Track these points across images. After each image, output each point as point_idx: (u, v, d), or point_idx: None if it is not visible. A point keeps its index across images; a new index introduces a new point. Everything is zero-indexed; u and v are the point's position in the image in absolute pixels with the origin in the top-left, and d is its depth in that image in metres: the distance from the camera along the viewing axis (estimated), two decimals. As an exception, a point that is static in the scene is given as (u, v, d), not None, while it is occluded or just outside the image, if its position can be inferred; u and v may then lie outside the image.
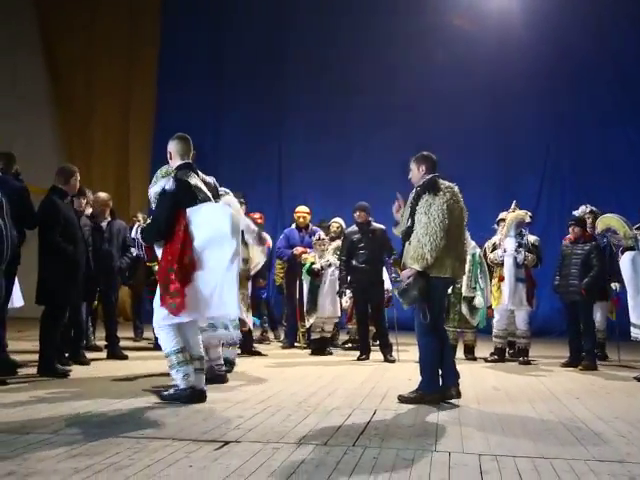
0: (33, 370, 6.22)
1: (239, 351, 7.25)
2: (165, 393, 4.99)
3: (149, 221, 5.46)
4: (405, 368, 7.44)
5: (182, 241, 4.80)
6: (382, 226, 8.45)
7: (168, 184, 4.99)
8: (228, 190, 6.22)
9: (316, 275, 8.92)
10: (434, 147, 13.21)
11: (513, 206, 8.49)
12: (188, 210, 4.88)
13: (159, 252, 5.11)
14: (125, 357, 7.62)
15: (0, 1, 13.75)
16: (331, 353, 8.89)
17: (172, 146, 5.22)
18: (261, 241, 6.69)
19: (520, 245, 8.18)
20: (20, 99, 14.01)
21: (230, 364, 6.71)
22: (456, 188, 5.32)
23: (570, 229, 8.34)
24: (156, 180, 5.31)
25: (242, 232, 6.56)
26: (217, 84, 15.11)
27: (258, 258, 7.13)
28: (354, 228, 8.51)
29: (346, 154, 14.40)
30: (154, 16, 15.48)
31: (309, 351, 8.94)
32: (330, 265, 8.92)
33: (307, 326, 9.14)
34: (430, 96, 13.76)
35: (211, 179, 5.43)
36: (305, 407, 4.89)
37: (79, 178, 6.63)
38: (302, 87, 14.68)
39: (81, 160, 13.80)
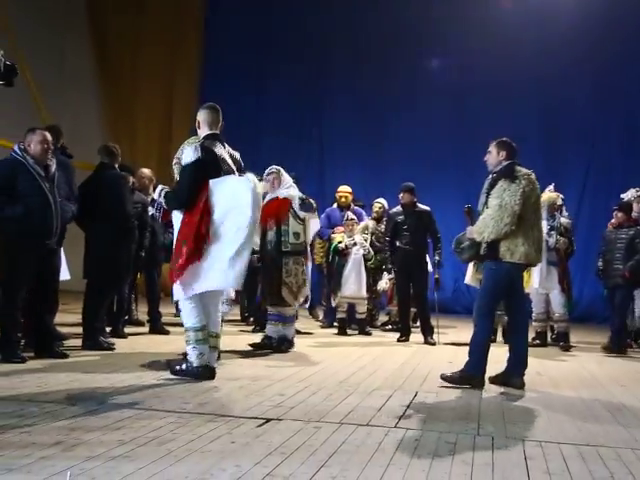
0: (78, 342, 6.32)
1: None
2: (177, 368, 4.97)
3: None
4: (446, 351, 7.41)
5: (201, 213, 4.76)
6: (427, 208, 8.37)
7: (193, 153, 4.91)
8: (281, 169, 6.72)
9: (342, 254, 8.86)
10: (479, 130, 13.14)
11: (551, 187, 8.31)
12: (211, 182, 4.84)
13: (176, 219, 5.06)
14: (167, 332, 7.71)
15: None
16: (370, 333, 8.86)
17: (201, 115, 5.17)
18: (313, 208, 6.79)
19: (552, 228, 8.04)
20: (67, 77, 14.21)
21: (289, 343, 6.79)
22: (533, 175, 5.27)
23: (614, 214, 8.22)
24: (182, 149, 5.19)
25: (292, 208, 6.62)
26: (259, 67, 15.06)
27: (313, 226, 7.20)
28: (398, 209, 8.44)
29: (389, 134, 14.28)
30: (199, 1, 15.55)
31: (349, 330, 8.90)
32: (355, 244, 8.83)
33: (333, 305, 9.06)
34: (475, 78, 13.56)
35: (236, 153, 5.34)
36: (346, 387, 4.88)
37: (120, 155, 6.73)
38: (344, 67, 14.58)
39: (125, 137, 13.99)
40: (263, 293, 7.37)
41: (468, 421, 3.98)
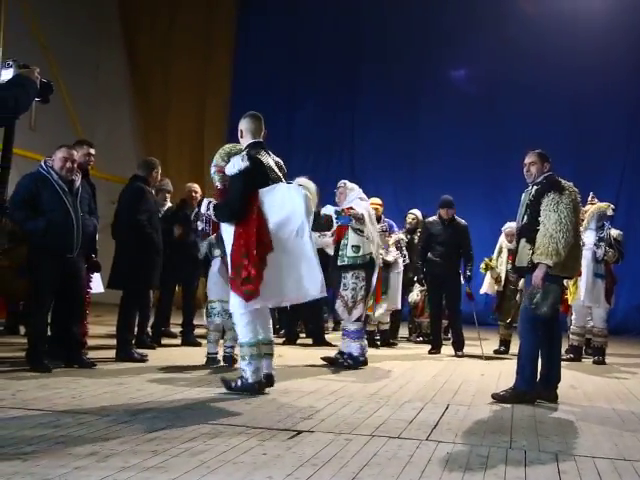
0: (111, 354, 6.40)
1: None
2: (233, 385, 4.92)
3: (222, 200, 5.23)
4: (477, 363, 7.35)
5: (257, 224, 4.69)
6: (464, 222, 8.33)
7: (241, 162, 4.83)
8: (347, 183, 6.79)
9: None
10: (510, 137, 13.05)
11: (590, 198, 8.09)
12: (260, 191, 4.78)
13: (226, 232, 4.96)
14: (199, 344, 7.75)
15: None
16: (394, 344, 8.85)
17: (244, 124, 5.10)
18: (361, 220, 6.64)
19: (601, 239, 7.85)
20: (101, 92, 14.52)
21: (351, 358, 6.58)
22: (575, 188, 5.21)
23: None
24: (220, 158, 5.14)
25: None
26: (290, 83, 15.22)
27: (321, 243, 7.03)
28: (435, 219, 8.37)
29: (421, 147, 14.30)
30: (229, 13, 15.75)
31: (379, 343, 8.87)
32: (396, 261, 8.74)
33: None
34: (507, 86, 13.53)
35: (281, 160, 5.26)
36: (377, 399, 4.87)
37: (160, 171, 6.81)
38: (375, 82, 14.66)
39: (158, 150, 14.18)
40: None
41: (500, 434, 3.94)
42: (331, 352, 6.99)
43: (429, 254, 8.25)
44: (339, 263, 6.67)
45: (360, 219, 6.56)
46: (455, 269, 8.28)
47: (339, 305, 6.64)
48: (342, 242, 6.68)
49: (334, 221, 6.48)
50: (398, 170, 14.33)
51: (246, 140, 5.09)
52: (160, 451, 3.23)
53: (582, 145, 13.59)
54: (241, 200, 4.79)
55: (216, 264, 6.36)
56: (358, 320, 6.64)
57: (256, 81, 14.93)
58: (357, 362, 6.56)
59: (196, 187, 8.25)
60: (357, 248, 6.60)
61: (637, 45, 13.11)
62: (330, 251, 7.00)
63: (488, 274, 8.51)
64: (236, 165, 4.84)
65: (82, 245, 5.77)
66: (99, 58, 14.92)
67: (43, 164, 5.67)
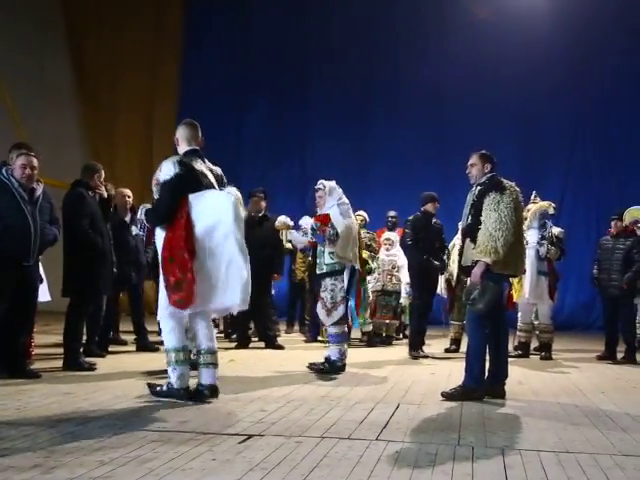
0: (59, 364, 6.27)
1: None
2: (158, 389, 4.90)
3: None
4: (428, 362, 7.43)
5: (184, 228, 4.65)
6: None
7: (172, 168, 4.80)
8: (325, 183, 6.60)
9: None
10: (457, 137, 13.22)
11: (533, 197, 8.25)
12: (191, 196, 4.73)
13: (159, 237, 4.90)
14: (155, 349, 7.64)
15: (30, 5, 14.06)
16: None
17: (179, 132, 5.08)
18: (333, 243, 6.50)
19: (543, 237, 8.02)
20: (47, 97, 14.27)
21: (330, 364, 6.44)
22: (517, 188, 5.29)
23: (612, 223, 8.25)
24: (160, 168, 5.06)
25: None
26: (239, 83, 15.14)
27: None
28: (420, 215, 8.14)
29: (370, 146, 14.40)
30: (177, 16, 15.66)
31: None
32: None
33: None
34: (456, 88, 13.71)
35: (218, 168, 5.21)
36: (327, 401, 4.89)
37: (103, 176, 6.71)
38: (326, 82, 14.71)
39: (106, 156, 14.03)
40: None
41: (449, 432, 4.00)
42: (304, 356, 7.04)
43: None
44: (317, 271, 6.53)
45: (333, 242, 6.35)
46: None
47: (319, 308, 6.49)
48: (318, 249, 6.53)
49: (308, 235, 6.49)
50: (349, 171, 14.37)
51: (182, 148, 5.07)
52: (107, 461, 3.19)
53: (528, 145, 13.90)
54: (169, 205, 4.75)
55: None
56: (338, 323, 6.45)
57: (204, 85, 14.82)
58: (334, 367, 6.37)
59: (127, 192, 8.11)
60: (334, 254, 6.42)
61: (581, 50, 13.45)
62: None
63: (442, 278, 8.62)
64: (166, 171, 4.81)
65: (39, 253, 5.69)
66: (44, 63, 14.65)
67: (4, 171, 5.56)
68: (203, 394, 4.80)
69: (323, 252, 6.47)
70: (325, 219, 6.40)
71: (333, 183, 6.69)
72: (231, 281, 4.62)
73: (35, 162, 5.63)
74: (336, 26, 14.49)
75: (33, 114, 13.47)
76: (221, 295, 4.66)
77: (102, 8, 15.22)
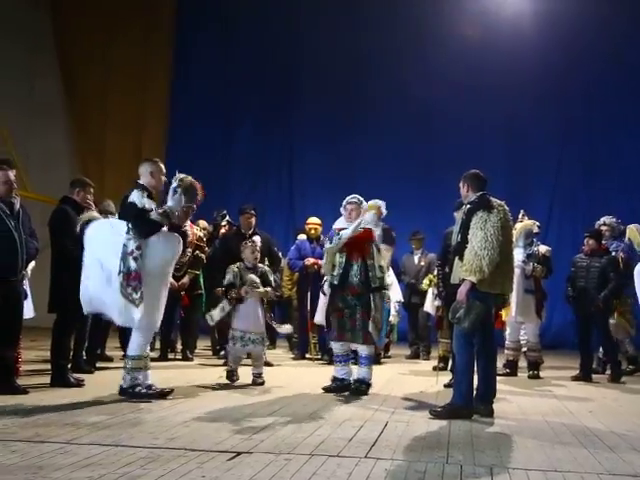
0: (46, 380, 6.24)
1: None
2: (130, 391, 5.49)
3: None
4: (417, 380, 7.44)
5: None
6: None
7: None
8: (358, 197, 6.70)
9: None
10: (444, 154, 13.25)
11: (521, 216, 8.26)
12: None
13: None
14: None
15: (19, 18, 14.23)
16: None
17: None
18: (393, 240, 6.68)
19: (529, 256, 8.04)
20: (36, 112, 14.32)
21: (366, 385, 6.30)
22: (506, 207, 5.33)
23: (585, 241, 8.28)
24: None
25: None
26: (228, 100, 15.15)
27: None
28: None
29: (359, 165, 14.44)
30: (167, 35, 15.76)
31: (320, 362, 8.90)
32: None
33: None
34: (443, 105, 13.79)
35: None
36: (317, 418, 4.89)
37: (92, 191, 6.71)
38: (313, 98, 14.77)
39: (94, 170, 14.07)
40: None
41: (437, 450, 4.01)
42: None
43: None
44: (372, 285, 6.20)
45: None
46: None
47: (372, 328, 6.12)
48: (368, 262, 6.25)
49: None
50: (337, 188, 14.38)
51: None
52: (96, 477, 3.18)
53: (515, 164, 13.96)
54: None
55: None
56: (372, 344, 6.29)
57: (193, 101, 14.90)
58: (369, 387, 6.29)
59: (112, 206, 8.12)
60: (382, 269, 6.30)
61: (566, 66, 13.59)
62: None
63: (430, 291, 8.65)
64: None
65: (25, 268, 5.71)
66: (34, 79, 14.73)
67: None
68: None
69: (374, 265, 6.26)
70: (370, 235, 6.30)
71: (382, 206, 6.63)
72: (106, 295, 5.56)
73: (11, 176, 5.66)
74: (323, 43, 14.53)
75: (21, 129, 13.53)
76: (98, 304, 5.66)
77: (91, 26, 15.27)
